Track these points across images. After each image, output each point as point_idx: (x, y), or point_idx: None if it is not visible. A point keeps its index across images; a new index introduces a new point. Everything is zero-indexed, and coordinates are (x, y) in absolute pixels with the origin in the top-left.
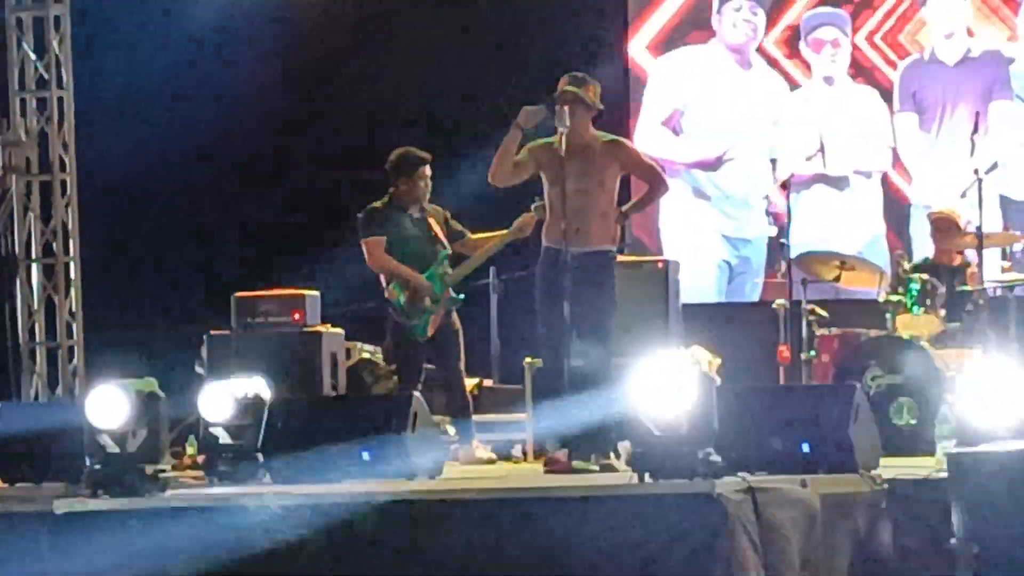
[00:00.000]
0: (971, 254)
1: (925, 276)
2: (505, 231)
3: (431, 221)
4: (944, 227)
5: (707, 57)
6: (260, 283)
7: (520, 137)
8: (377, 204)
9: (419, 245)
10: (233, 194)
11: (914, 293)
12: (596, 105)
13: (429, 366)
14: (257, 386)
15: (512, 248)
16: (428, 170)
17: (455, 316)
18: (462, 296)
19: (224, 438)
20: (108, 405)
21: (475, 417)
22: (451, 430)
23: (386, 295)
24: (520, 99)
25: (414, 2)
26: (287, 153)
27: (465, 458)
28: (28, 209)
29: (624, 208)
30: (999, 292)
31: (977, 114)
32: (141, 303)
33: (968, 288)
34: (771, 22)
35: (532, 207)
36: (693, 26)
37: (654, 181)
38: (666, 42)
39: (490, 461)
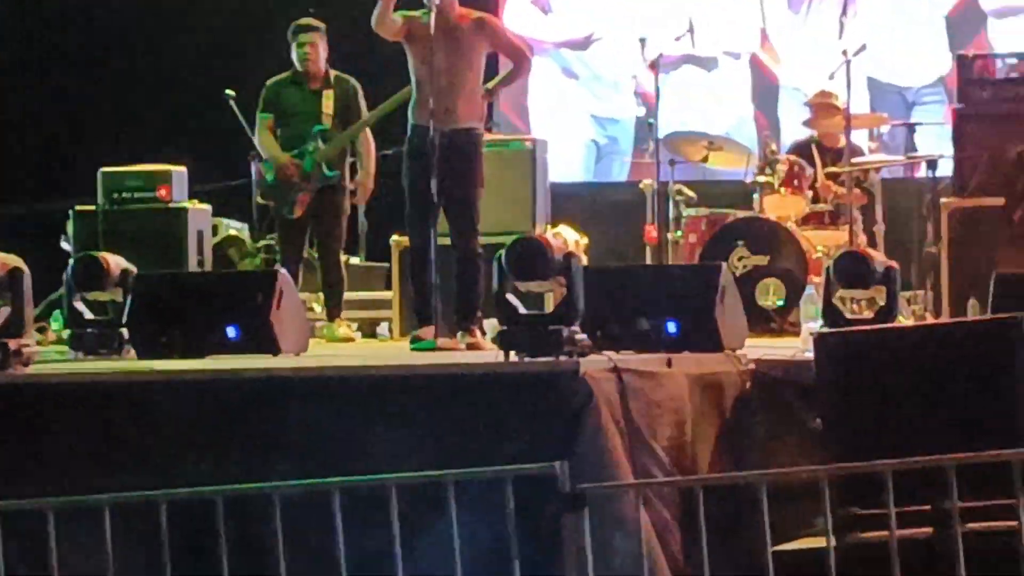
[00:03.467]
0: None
1: (793, 157)
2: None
3: (327, 95)
4: (823, 108)
5: None
6: (127, 158)
7: None
8: (273, 79)
9: (302, 122)
10: (100, 67)
11: (781, 174)
12: None
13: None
14: (123, 262)
15: (379, 126)
16: (308, 37)
17: (341, 194)
18: (335, 173)
19: (89, 313)
20: None
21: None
22: (316, 308)
23: (255, 174)
24: None
25: None
26: (156, 26)
27: (330, 336)
28: None
29: (489, 85)
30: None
31: None
32: (4, 179)
33: (836, 170)
34: None
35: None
36: None
37: (519, 59)
38: None
39: (354, 339)
